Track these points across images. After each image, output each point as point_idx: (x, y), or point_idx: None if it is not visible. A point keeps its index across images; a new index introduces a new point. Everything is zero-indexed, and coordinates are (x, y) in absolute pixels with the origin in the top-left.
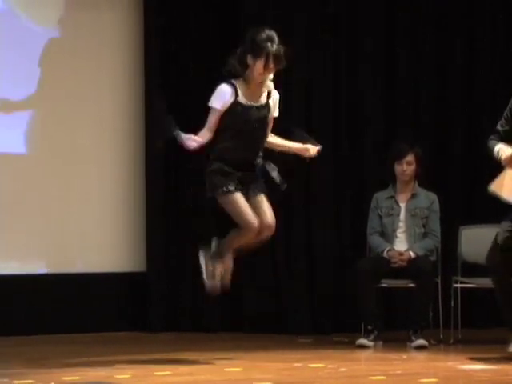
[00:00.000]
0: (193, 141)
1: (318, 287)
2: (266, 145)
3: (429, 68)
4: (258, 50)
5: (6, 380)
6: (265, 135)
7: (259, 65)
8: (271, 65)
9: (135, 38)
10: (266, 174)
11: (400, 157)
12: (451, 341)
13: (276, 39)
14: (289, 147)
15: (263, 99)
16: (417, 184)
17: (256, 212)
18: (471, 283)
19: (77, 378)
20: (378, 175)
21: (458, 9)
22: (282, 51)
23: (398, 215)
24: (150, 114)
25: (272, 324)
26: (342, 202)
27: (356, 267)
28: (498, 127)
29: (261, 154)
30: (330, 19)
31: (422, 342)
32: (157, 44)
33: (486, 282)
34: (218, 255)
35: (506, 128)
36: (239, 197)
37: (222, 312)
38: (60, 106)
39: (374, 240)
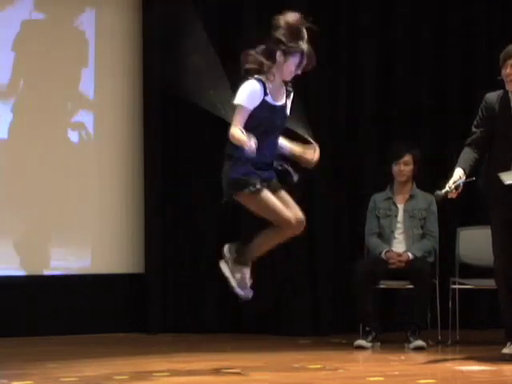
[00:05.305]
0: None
1: (316, 288)
2: None
3: (427, 68)
4: (291, 48)
5: (4, 381)
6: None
7: (292, 63)
8: (304, 63)
9: (134, 36)
10: (283, 171)
11: (397, 157)
12: (449, 342)
13: (305, 35)
14: (291, 150)
15: (284, 98)
16: (415, 185)
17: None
18: (469, 284)
19: (75, 378)
20: (376, 176)
21: (456, 9)
22: (311, 49)
23: (396, 216)
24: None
25: (271, 325)
26: (340, 204)
27: (354, 268)
28: (473, 129)
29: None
30: (330, 17)
31: (419, 343)
32: (157, 42)
33: (483, 283)
34: (245, 261)
35: (482, 129)
36: (269, 194)
37: (221, 313)
38: (57, 104)
39: (372, 241)
